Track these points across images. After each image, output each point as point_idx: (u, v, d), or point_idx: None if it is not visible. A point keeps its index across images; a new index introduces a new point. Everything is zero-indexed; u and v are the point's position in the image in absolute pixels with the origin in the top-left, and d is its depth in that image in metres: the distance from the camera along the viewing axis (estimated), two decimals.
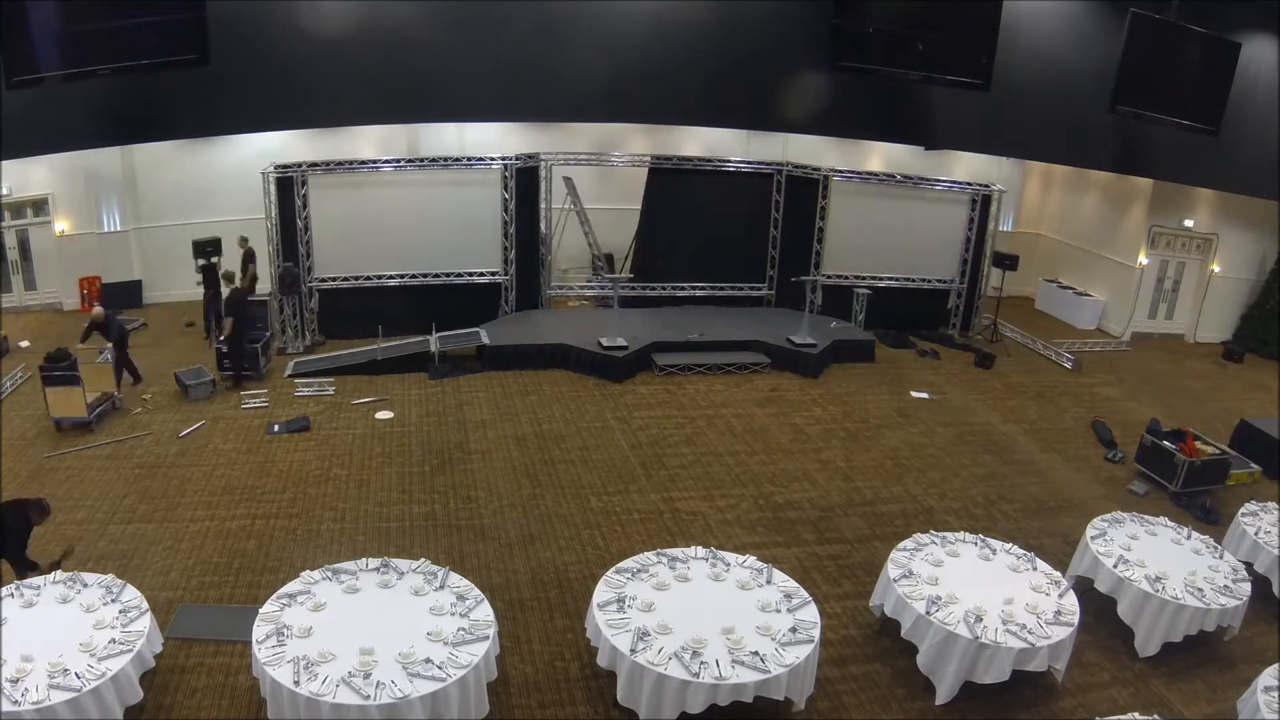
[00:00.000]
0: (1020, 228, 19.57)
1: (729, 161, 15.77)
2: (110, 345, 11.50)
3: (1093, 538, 7.98)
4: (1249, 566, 8.09)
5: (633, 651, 6.03)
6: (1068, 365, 14.71)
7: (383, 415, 11.43)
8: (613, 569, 6.98)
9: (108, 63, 10.33)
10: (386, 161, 14.21)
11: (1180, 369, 15.65)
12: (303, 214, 13.44)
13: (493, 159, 14.39)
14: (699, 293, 16.00)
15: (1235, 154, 14.25)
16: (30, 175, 14.38)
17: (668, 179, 15.33)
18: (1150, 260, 17.18)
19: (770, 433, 11.55)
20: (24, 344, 12.46)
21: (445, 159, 14.42)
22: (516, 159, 14.43)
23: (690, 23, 12.84)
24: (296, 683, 5.52)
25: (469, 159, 14.48)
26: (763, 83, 13.49)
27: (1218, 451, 10.63)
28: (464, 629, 6.12)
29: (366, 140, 15.71)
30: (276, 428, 10.86)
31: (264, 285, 13.91)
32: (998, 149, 16.75)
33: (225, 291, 12.81)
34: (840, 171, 15.73)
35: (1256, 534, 8.49)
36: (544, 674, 6.86)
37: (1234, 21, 13.39)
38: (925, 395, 13.11)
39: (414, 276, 14.34)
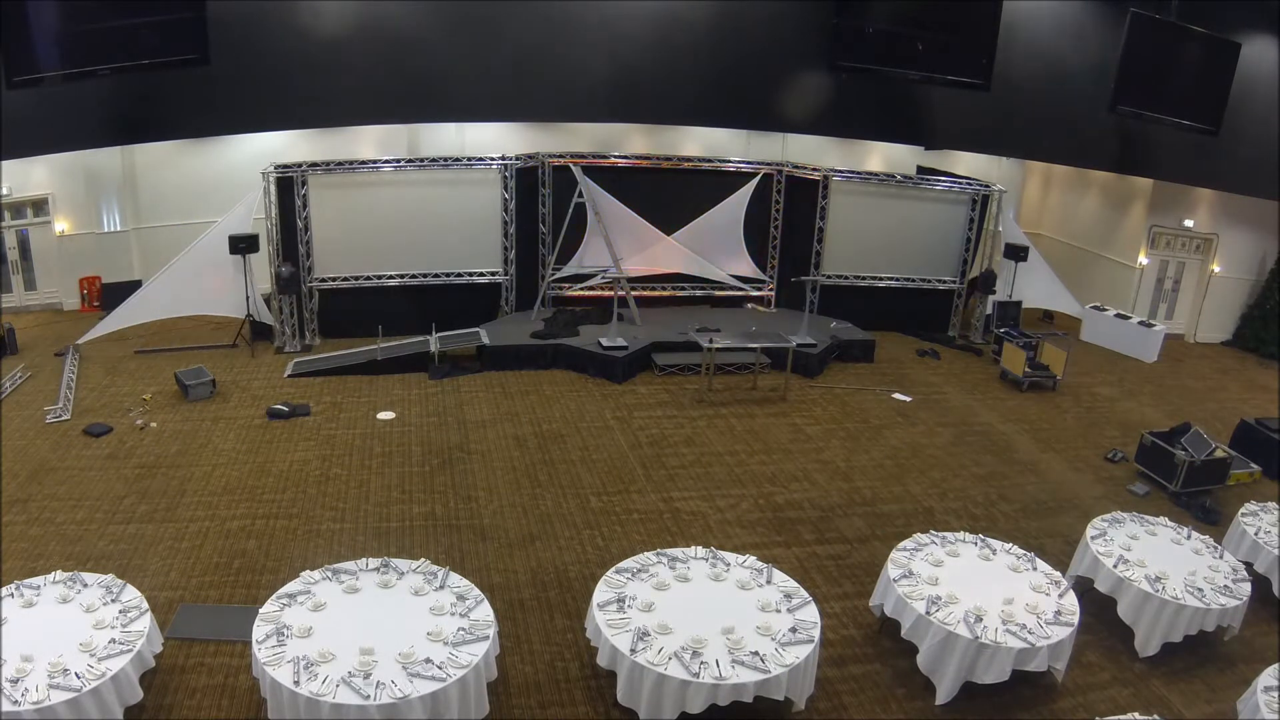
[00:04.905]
0: (1020, 227, 19.56)
1: (729, 161, 15.78)
2: None
3: (1093, 538, 7.98)
4: (1249, 566, 8.09)
5: (633, 651, 6.03)
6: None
7: (383, 415, 11.43)
8: (613, 569, 6.98)
9: (108, 63, 10.36)
10: (386, 161, 14.21)
11: (1180, 369, 15.64)
12: (303, 214, 13.44)
13: (493, 159, 14.39)
14: (699, 293, 16.01)
15: (1235, 154, 14.28)
16: (30, 175, 14.36)
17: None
18: (1150, 260, 17.18)
19: (770, 432, 11.54)
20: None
21: (445, 159, 14.41)
22: (516, 159, 14.43)
23: (690, 23, 12.86)
24: (296, 683, 5.52)
25: (469, 159, 14.47)
26: (763, 83, 13.52)
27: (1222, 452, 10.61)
28: (464, 629, 6.12)
29: (366, 140, 15.72)
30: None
31: (264, 287, 13.90)
32: (998, 149, 16.80)
33: None
34: (840, 171, 15.73)
35: (1256, 534, 8.49)
36: (544, 674, 6.86)
37: (1234, 21, 13.41)
38: (907, 398, 13.09)
39: (414, 276, 14.33)
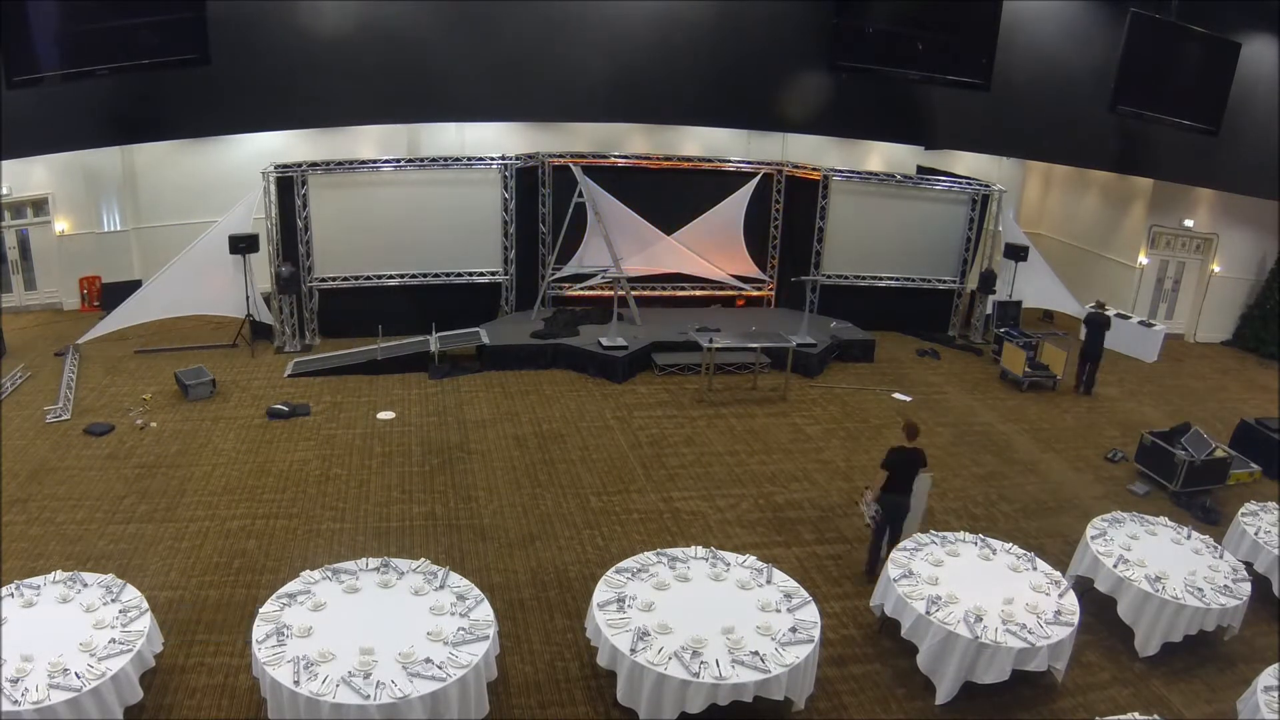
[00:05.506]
0: (1020, 227, 19.57)
1: (729, 161, 15.78)
2: None
3: (1093, 538, 7.98)
4: (1249, 566, 8.09)
5: (633, 651, 6.03)
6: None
7: (383, 415, 11.43)
8: (613, 569, 6.98)
9: (108, 63, 10.35)
10: (386, 161, 14.21)
11: (1180, 369, 15.64)
12: (303, 214, 13.44)
13: (493, 159, 14.39)
14: (699, 293, 16.01)
15: (1235, 154, 14.28)
16: (30, 175, 14.37)
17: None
18: (1150, 260, 17.19)
19: (770, 432, 11.54)
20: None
21: (445, 159, 14.42)
22: (516, 159, 14.43)
23: (690, 23, 12.86)
24: (296, 683, 5.52)
25: (469, 159, 14.48)
26: (763, 83, 13.52)
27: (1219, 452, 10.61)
28: (464, 629, 6.12)
29: (366, 140, 15.72)
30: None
31: (264, 286, 13.90)
32: (998, 149, 16.80)
33: None
34: (840, 171, 15.73)
35: (1256, 534, 8.49)
36: (544, 674, 6.86)
37: (1234, 21, 13.41)
38: (907, 398, 13.08)
39: (414, 276, 14.33)
